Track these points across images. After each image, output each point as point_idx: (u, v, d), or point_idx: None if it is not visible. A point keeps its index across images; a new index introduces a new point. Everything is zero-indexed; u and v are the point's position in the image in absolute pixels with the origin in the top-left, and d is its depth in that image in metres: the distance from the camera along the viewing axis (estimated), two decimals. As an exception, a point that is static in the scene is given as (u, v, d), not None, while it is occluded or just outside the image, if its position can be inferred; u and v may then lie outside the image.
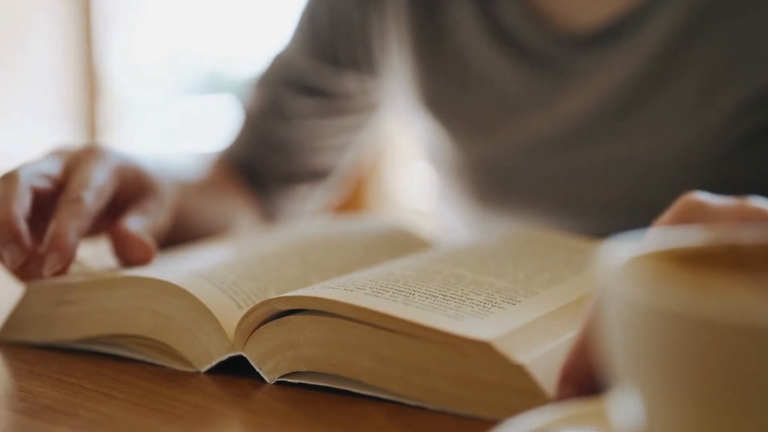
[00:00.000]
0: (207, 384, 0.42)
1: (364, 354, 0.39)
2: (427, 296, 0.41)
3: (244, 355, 0.42)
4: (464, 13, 0.70)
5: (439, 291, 0.42)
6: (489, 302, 0.41)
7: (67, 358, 0.46)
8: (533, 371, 0.35)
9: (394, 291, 0.41)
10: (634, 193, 0.64)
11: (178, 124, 2.49)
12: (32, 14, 2.56)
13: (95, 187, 0.49)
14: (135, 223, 0.51)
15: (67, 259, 0.46)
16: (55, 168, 0.50)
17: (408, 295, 0.41)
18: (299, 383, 0.41)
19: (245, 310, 0.44)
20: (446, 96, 0.71)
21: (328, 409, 0.39)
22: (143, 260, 0.50)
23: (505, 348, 0.36)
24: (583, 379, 0.33)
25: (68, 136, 2.38)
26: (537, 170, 0.67)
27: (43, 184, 0.49)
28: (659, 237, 0.28)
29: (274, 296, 0.44)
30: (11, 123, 2.62)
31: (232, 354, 0.43)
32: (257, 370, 0.42)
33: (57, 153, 0.53)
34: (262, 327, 0.42)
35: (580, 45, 0.65)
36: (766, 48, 0.60)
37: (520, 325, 0.38)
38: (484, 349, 0.36)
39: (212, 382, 0.42)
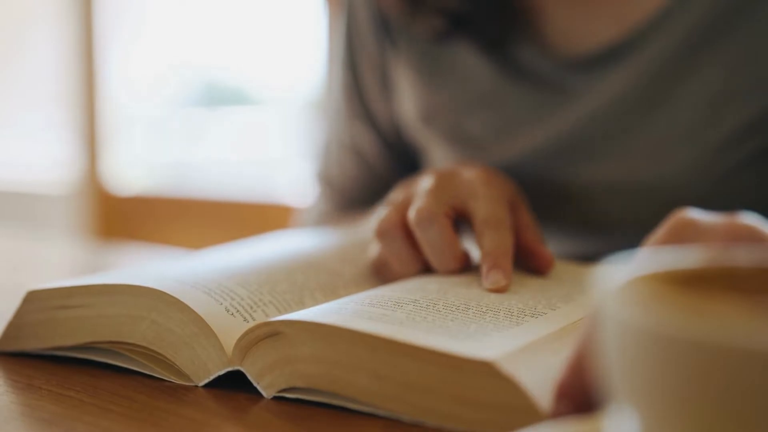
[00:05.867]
0: (205, 398, 0.42)
1: (362, 372, 0.39)
2: (428, 321, 0.41)
3: (242, 370, 0.43)
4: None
5: (441, 315, 0.42)
6: (490, 324, 0.41)
7: (65, 372, 0.46)
8: (530, 389, 0.36)
9: (395, 316, 0.41)
10: (632, 212, 0.64)
11: (177, 135, 2.49)
12: (32, 26, 2.57)
13: (507, 218, 0.53)
14: (533, 237, 0.55)
15: (509, 277, 0.49)
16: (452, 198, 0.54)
17: (411, 317, 0.41)
18: (297, 398, 0.41)
19: (242, 322, 0.44)
20: (444, 113, 0.72)
21: (325, 425, 0.39)
22: (551, 268, 0.53)
23: (506, 368, 0.36)
24: (579, 396, 0.33)
25: (68, 147, 2.38)
26: (534, 189, 0.67)
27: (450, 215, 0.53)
28: (652, 257, 0.28)
29: (274, 312, 0.44)
30: (12, 134, 2.62)
31: (229, 369, 0.43)
32: (255, 385, 0.42)
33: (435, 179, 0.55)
34: (260, 342, 0.42)
35: (581, 66, 0.65)
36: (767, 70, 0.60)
37: (520, 346, 0.39)
38: (484, 368, 0.36)
39: (210, 396, 0.43)
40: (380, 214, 0.55)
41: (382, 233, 0.53)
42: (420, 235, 0.52)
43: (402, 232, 0.53)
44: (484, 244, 0.51)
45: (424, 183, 0.55)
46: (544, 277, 0.52)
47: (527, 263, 0.54)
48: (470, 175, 0.56)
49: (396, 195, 0.57)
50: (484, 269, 0.49)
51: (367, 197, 0.80)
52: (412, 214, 0.52)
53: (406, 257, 0.53)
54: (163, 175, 2.43)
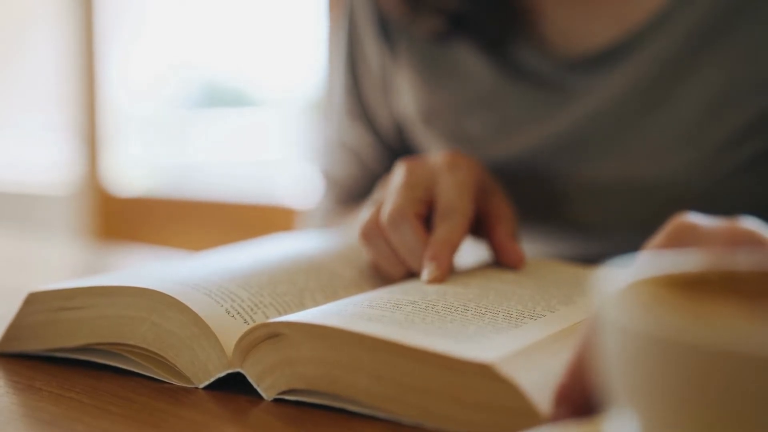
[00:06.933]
0: (205, 400, 0.42)
1: (362, 374, 0.39)
2: (427, 323, 0.41)
3: (242, 372, 0.43)
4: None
5: (440, 316, 0.42)
6: (489, 326, 0.41)
7: (65, 373, 0.46)
8: (529, 392, 0.36)
9: (394, 318, 0.41)
10: (632, 213, 0.64)
11: (177, 136, 2.49)
12: (32, 26, 2.57)
13: (463, 206, 0.53)
14: (505, 232, 0.56)
15: (444, 269, 0.50)
16: (423, 193, 0.54)
17: (410, 319, 0.41)
18: (297, 400, 0.41)
19: (242, 324, 0.44)
20: (444, 114, 0.72)
21: (325, 427, 0.39)
22: (520, 266, 0.54)
23: (505, 370, 0.36)
24: (578, 400, 0.33)
25: (68, 148, 2.38)
26: (533, 190, 0.67)
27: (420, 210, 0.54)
28: (652, 261, 0.28)
29: (275, 313, 0.44)
30: (12, 135, 2.62)
31: (230, 370, 0.43)
32: (255, 387, 0.42)
33: (415, 170, 0.56)
34: (261, 344, 0.42)
35: (580, 66, 0.65)
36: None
37: (519, 348, 0.39)
38: (483, 370, 0.36)
39: (210, 398, 0.43)
40: (362, 216, 0.55)
41: (364, 237, 0.54)
42: (392, 237, 0.52)
43: (382, 233, 0.53)
44: (433, 234, 0.52)
45: (395, 179, 0.55)
46: (544, 279, 0.52)
47: (497, 258, 0.55)
48: (435, 162, 0.56)
49: (378, 194, 0.58)
50: (424, 261, 0.50)
51: (370, 195, 0.81)
52: (383, 216, 0.53)
53: (393, 258, 0.53)
54: (163, 177, 2.43)
